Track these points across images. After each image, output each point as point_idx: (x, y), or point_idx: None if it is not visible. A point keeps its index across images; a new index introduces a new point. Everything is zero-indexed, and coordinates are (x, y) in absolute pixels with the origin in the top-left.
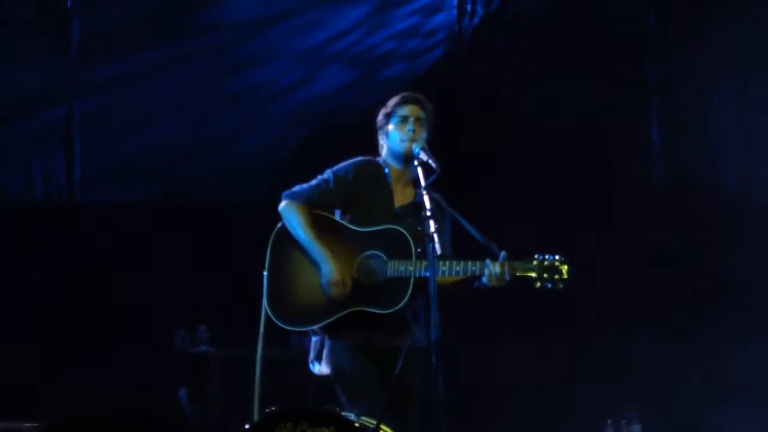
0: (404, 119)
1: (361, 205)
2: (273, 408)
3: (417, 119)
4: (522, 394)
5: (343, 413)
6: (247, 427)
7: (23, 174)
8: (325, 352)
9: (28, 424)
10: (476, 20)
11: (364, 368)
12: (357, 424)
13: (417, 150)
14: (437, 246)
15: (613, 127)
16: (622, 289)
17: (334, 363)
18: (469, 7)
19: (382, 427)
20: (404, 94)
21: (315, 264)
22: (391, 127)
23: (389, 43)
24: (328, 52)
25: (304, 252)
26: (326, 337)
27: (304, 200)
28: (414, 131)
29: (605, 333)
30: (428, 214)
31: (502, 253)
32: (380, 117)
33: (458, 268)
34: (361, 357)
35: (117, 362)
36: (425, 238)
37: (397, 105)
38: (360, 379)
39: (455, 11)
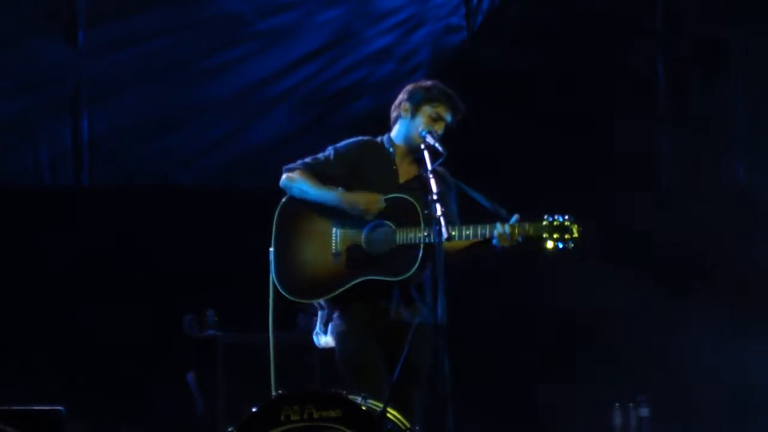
0: (437, 119)
1: (364, 182)
2: (280, 391)
3: (446, 123)
4: (528, 377)
5: (350, 396)
6: (254, 410)
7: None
8: (330, 325)
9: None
10: (480, 17)
11: (369, 351)
12: (364, 407)
13: (424, 133)
14: (443, 229)
15: (619, 126)
16: (629, 270)
17: (339, 346)
18: (474, 2)
19: (389, 410)
20: (454, 96)
21: (322, 235)
22: (422, 111)
23: (354, 73)
24: (273, 91)
25: (310, 224)
26: (334, 310)
27: (306, 167)
28: (437, 132)
29: (613, 315)
30: (435, 197)
31: (515, 216)
32: (415, 92)
33: (468, 233)
34: (367, 339)
35: (124, 346)
36: (432, 220)
37: (443, 102)
38: (365, 363)
39: (441, 23)
